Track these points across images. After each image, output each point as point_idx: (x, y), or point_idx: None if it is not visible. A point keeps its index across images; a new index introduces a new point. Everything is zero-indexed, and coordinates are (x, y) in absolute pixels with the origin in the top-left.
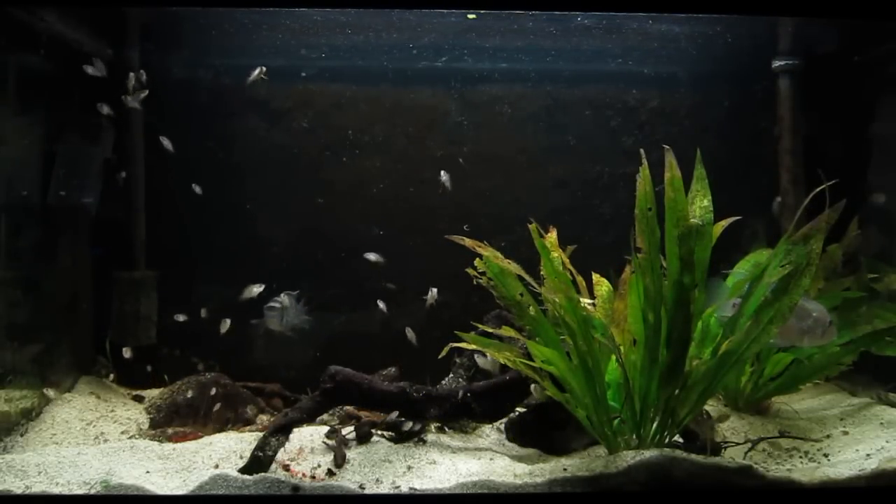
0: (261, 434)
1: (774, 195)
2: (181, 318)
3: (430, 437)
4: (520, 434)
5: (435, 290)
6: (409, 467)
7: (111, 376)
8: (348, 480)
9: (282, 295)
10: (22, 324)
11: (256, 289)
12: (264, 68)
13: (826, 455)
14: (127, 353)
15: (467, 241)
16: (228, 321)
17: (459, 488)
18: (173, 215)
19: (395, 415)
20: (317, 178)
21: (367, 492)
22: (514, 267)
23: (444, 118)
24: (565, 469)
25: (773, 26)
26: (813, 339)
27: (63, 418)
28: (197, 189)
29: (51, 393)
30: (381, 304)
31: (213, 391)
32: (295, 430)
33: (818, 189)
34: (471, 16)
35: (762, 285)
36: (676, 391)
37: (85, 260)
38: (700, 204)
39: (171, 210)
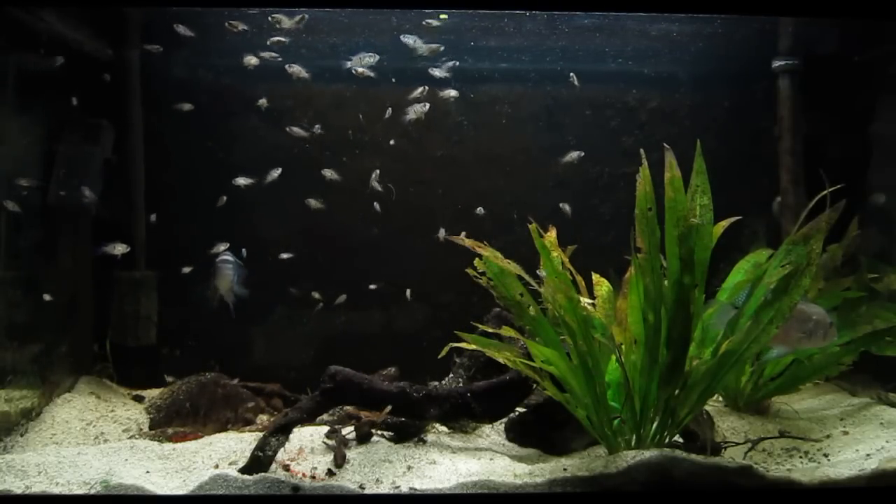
0: (261, 434)
1: (774, 195)
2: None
3: (430, 437)
4: (520, 434)
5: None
6: (409, 467)
7: (112, 376)
8: (348, 480)
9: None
10: (22, 324)
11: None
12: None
13: (826, 455)
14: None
15: (467, 241)
16: None
17: (459, 488)
18: (173, 215)
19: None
20: (317, 178)
21: (367, 492)
22: (514, 267)
23: (444, 118)
24: (565, 469)
25: (773, 26)
26: (814, 342)
27: (63, 418)
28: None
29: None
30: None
31: (213, 391)
32: (295, 430)
33: (823, 193)
34: (442, 16)
35: (762, 286)
36: (676, 391)
37: (85, 260)
38: (700, 202)
39: (171, 210)
